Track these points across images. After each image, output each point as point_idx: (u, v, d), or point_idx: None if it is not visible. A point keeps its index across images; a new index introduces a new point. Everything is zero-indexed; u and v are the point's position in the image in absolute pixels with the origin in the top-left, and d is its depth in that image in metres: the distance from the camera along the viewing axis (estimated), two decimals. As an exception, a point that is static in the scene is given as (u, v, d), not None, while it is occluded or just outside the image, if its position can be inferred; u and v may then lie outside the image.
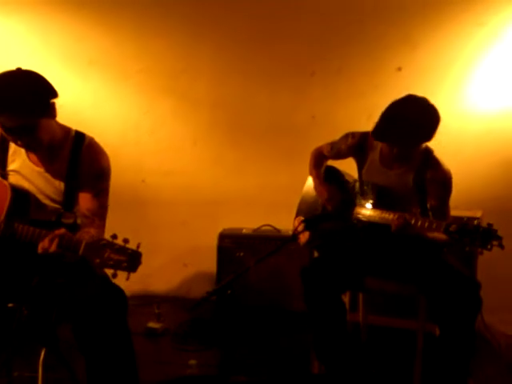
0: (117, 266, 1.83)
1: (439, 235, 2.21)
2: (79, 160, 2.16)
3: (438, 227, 2.17)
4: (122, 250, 1.84)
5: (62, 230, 1.92)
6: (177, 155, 3.90)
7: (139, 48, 3.77)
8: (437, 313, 2.40)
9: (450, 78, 3.37)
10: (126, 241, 1.85)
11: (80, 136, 2.21)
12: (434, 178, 2.43)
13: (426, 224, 2.23)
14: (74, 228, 2.15)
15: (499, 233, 2.05)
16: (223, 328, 3.26)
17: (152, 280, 3.88)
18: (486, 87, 3.33)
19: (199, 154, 3.87)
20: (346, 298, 2.91)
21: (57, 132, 2.16)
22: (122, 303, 2.07)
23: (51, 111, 2.06)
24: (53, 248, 1.88)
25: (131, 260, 1.83)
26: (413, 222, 2.27)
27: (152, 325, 3.32)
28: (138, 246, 1.86)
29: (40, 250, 1.92)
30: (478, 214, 3.00)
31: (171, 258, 3.95)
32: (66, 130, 2.20)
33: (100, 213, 2.18)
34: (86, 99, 3.84)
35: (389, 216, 2.38)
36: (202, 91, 3.80)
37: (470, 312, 2.33)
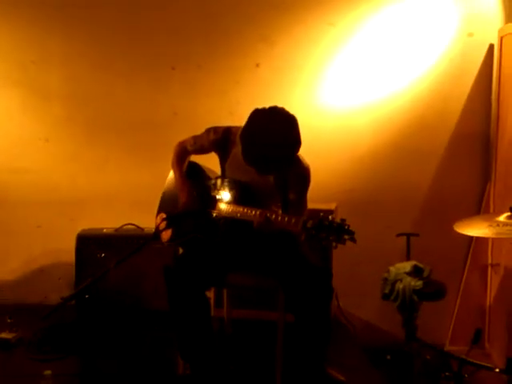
0: None
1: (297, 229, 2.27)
2: None
3: (297, 223, 2.23)
4: None
5: None
6: (27, 152, 3.65)
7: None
8: (292, 303, 2.48)
9: (305, 75, 3.47)
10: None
11: None
12: (294, 173, 2.49)
13: (286, 219, 2.28)
14: None
15: (351, 224, 2.14)
16: (83, 333, 3.12)
17: (4, 287, 3.63)
18: (336, 85, 3.47)
19: (52, 150, 3.64)
20: (210, 294, 2.93)
21: None
22: None
23: None
24: None
25: None
26: (273, 217, 2.31)
27: (4, 335, 3.11)
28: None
29: None
30: (333, 206, 3.16)
31: (25, 263, 3.70)
32: None
33: None
34: None
35: (251, 213, 2.40)
36: (53, 84, 3.58)
37: (322, 300, 2.43)
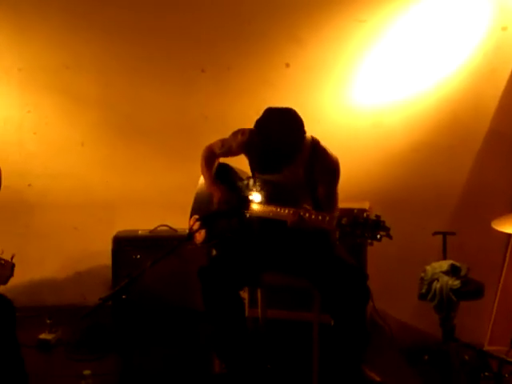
0: None
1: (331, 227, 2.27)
2: None
3: (331, 220, 2.22)
4: None
5: None
6: (64, 156, 3.71)
7: (17, 44, 3.56)
8: (329, 305, 2.46)
9: (336, 74, 3.47)
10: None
11: None
12: (323, 167, 2.50)
13: (320, 217, 2.28)
14: None
15: (385, 223, 2.13)
16: (121, 333, 3.16)
17: (43, 289, 3.69)
18: (368, 83, 3.45)
19: (88, 154, 3.71)
20: (245, 294, 2.94)
21: None
22: (9, 314, 1.94)
23: None
24: None
25: (2, 271, 1.73)
26: (307, 216, 2.31)
27: (44, 336, 3.17)
28: (12, 257, 1.76)
29: None
30: (366, 205, 3.11)
31: (63, 265, 3.76)
32: None
33: None
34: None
35: (283, 212, 2.41)
36: (88, 89, 3.65)
37: (359, 302, 2.41)
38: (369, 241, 2.13)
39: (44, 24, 3.57)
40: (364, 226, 2.11)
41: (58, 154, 3.72)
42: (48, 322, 3.22)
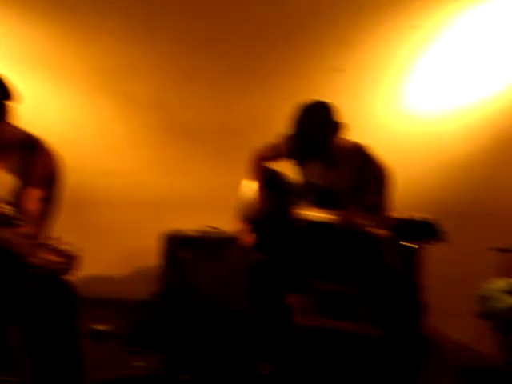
0: (54, 268, 1.79)
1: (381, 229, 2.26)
2: (32, 161, 2.11)
3: (380, 223, 2.23)
4: (61, 251, 1.80)
5: None
6: (116, 156, 3.83)
7: (78, 47, 3.68)
8: (379, 317, 2.42)
9: (387, 79, 3.43)
10: (66, 243, 1.81)
11: (33, 138, 2.17)
12: (372, 173, 2.49)
13: (369, 220, 2.28)
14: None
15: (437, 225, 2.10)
16: (171, 330, 3.23)
17: (96, 282, 3.82)
18: (421, 89, 3.39)
19: (140, 154, 3.81)
20: (293, 301, 2.93)
21: (9, 133, 2.11)
22: (72, 299, 2.00)
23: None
24: None
25: (69, 263, 1.80)
26: (355, 219, 2.31)
27: (96, 326, 3.27)
28: (79, 250, 1.82)
29: None
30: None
31: (116, 260, 3.89)
32: (19, 132, 2.16)
33: (43, 216, 2.11)
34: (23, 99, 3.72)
35: (332, 216, 2.41)
36: (142, 91, 3.74)
37: (410, 314, 2.35)
38: (421, 244, 2.10)
39: (103, 26, 3.66)
40: (415, 229, 2.09)
41: (111, 153, 3.83)
42: (101, 313, 3.33)
